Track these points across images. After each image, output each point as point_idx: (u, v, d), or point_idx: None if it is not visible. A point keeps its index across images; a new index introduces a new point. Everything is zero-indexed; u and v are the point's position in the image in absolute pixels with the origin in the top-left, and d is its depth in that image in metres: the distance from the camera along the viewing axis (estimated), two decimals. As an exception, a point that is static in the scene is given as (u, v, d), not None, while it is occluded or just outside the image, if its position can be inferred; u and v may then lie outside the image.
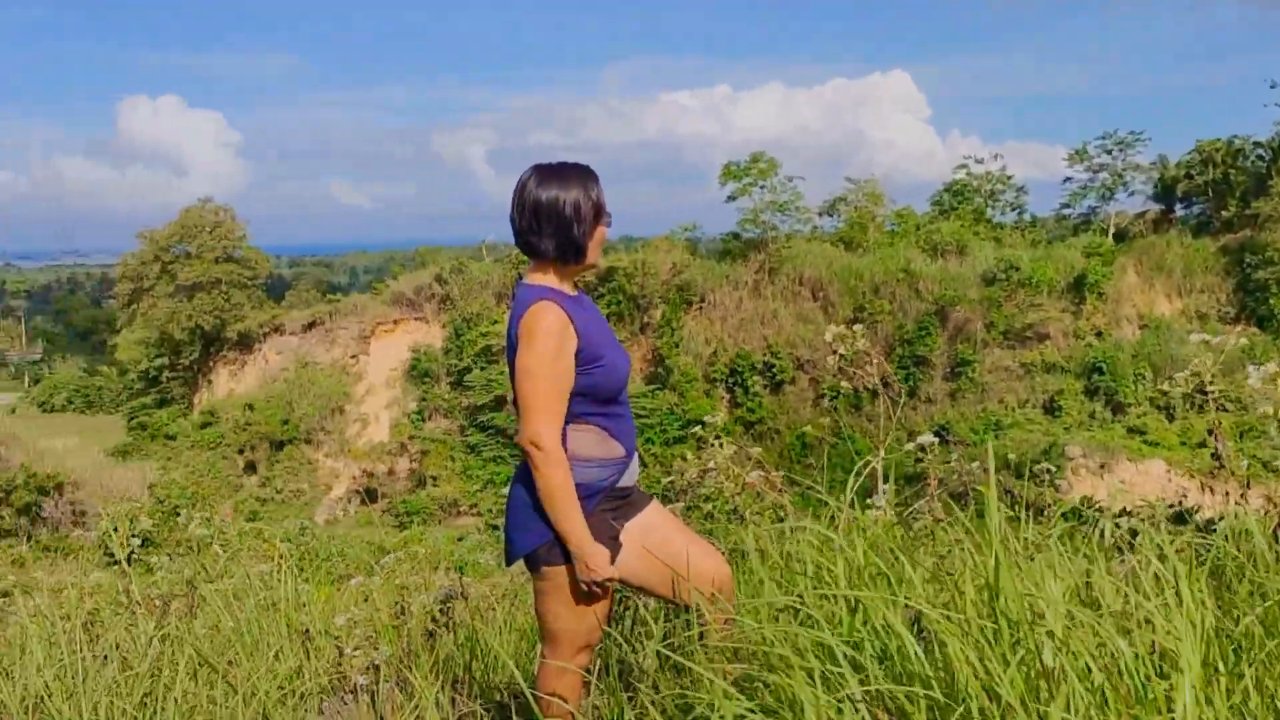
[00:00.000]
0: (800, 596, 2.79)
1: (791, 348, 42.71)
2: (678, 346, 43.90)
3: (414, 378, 46.90)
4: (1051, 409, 40.04)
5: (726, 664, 2.75)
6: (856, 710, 2.32)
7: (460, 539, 31.86)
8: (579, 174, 3.07)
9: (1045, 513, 4.36)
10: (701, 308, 45.10)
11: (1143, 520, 3.95)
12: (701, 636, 2.94)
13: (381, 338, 48.03)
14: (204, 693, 3.58)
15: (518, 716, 3.26)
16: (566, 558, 2.97)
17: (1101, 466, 36.31)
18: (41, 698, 3.31)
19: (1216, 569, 2.94)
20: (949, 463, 4.59)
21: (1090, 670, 2.24)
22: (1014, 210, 50.06)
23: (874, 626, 2.51)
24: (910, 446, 3.94)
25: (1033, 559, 2.77)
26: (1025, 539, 3.04)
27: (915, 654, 2.36)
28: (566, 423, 3.01)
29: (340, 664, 4.06)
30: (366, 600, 4.93)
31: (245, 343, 49.38)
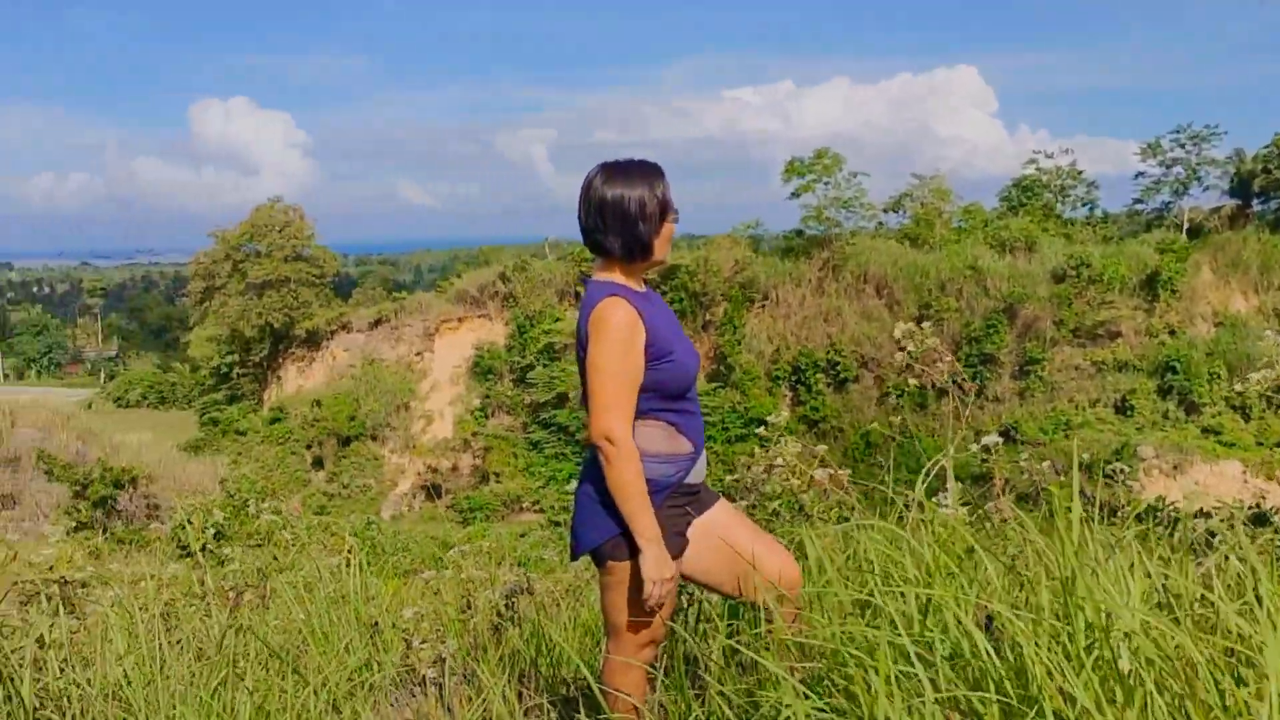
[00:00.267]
0: (871, 594, 2.76)
1: (856, 346, 42.35)
2: (740, 344, 43.74)
3: (477, 375, 47.26)
4: (1123, 409, 39.25)
5: (794, 661, 2.74)
6: (928, 711, 2.29)
7: (523, 535, 32.05)
8: (645, 171, 3.07)
9: (1119, 513, 4.27)
10: (764, 305, 44.88)
11: (1221, 521, 3.86)
12: (768, 634, 2.93)
13: (446, 335, 48.46)
14: (276, 683, 3.64)
15: (584, 711, 3.27)
16: (632, 553, 2.97)
17: (1175, 467, 35.57)
18: (121, 685, 3.39)
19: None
20: (1016, 462, 4.53)
21: (1167, 675, 2.19)
22: (1085, 206, 49.12)
23: (946, 626, 2.48)
24: (976, 447, 3.88)
25: (1108, 560, 2.72)
26: (1099, 540, 2.98)
27: (988, 654, 2.33)
28: (635, 418, 3.01)
29: (408, 657, 4.11)
30: (434, 594, 4.98)
31: (313, 340, 50.11)
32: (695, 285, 44.06)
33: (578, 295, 45.82)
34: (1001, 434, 4.21)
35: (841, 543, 3.36)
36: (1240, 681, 2.18)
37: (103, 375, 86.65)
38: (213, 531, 5.91)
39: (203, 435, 49.28)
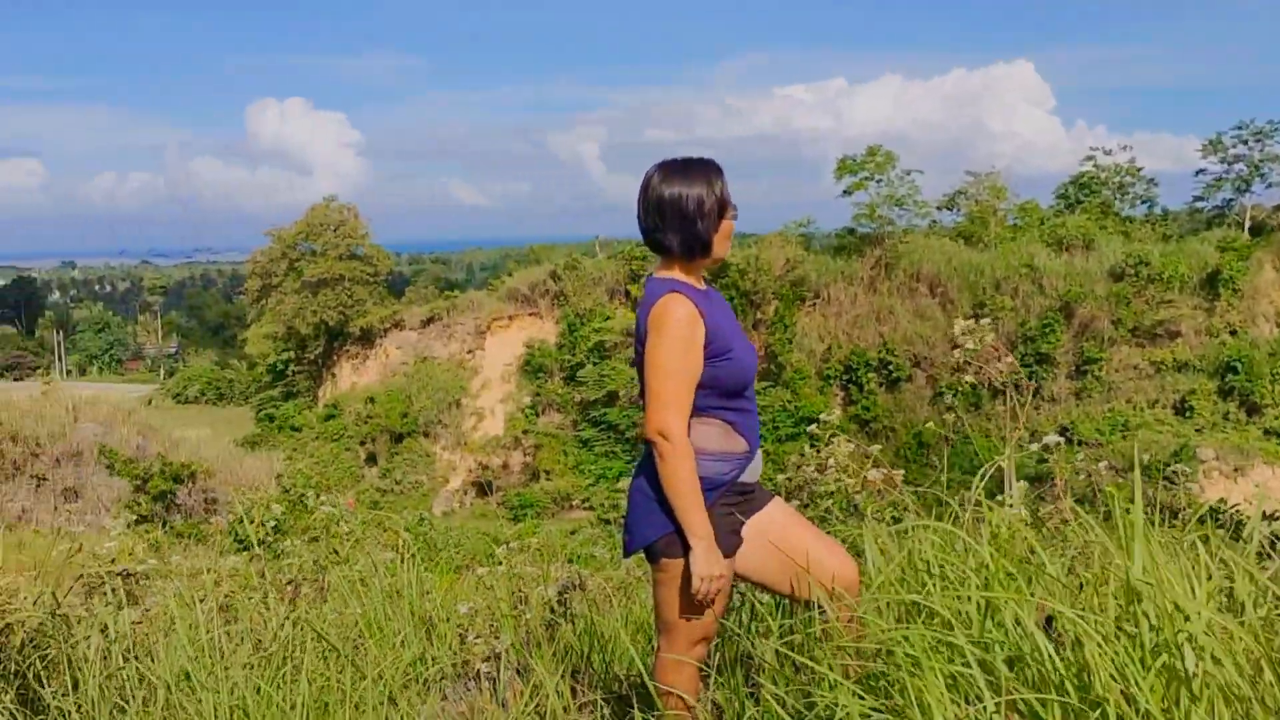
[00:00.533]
0: (928, 594, 2.74)
1: (908, 345, 41.99)
2: (791, 343, 43.54)
3: (528, 373, 47.48)
4: (1182, 409, 38.53)
5: (849, 662, 2.72)
6: (986, 712, 2.27)
7: (573, 532, 32.19)
8: (703, 169, 3.07)
9: (1180, 515, 4.20)
10: (815, 304, 44.64)
11: (1287, 524, 3.78)
12: (823, 634, 2.92)
13: (497, 333, 48.73)
14: (334, 675, 3.69)
15: (638, 708, 3.27)
16: (685, 550, 2.97)
17: (1235, 470, 34.88)
18: (185, 675, 3.46)
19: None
20: (1072, 463, 4.46)
21: (1233, 678, 2.15)
22: (1144, 203, 48.27)
23: (1005, 627, 2.45)
24: (1035, 446, 3.83)
25: (1172, 561, 2.68)
26: (1161, 541, 2.93)
27: (1049, 656, 2.30)
28: (692, 415, 3.01)
29: (462, 651, 4.14)
30: (487, 589, 5.01)
31: (367, 338, 50.64)
32: (746, 284, 43.92)
33: (628, 294, 45.91)
34: (1043, 438, 4.15)
35: (897, 543, 3.33)
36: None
37: (162, 372, 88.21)
38: (271, 524, 5.99)
39: (259, 431, 50.00)
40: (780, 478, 5.21)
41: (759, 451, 3.18)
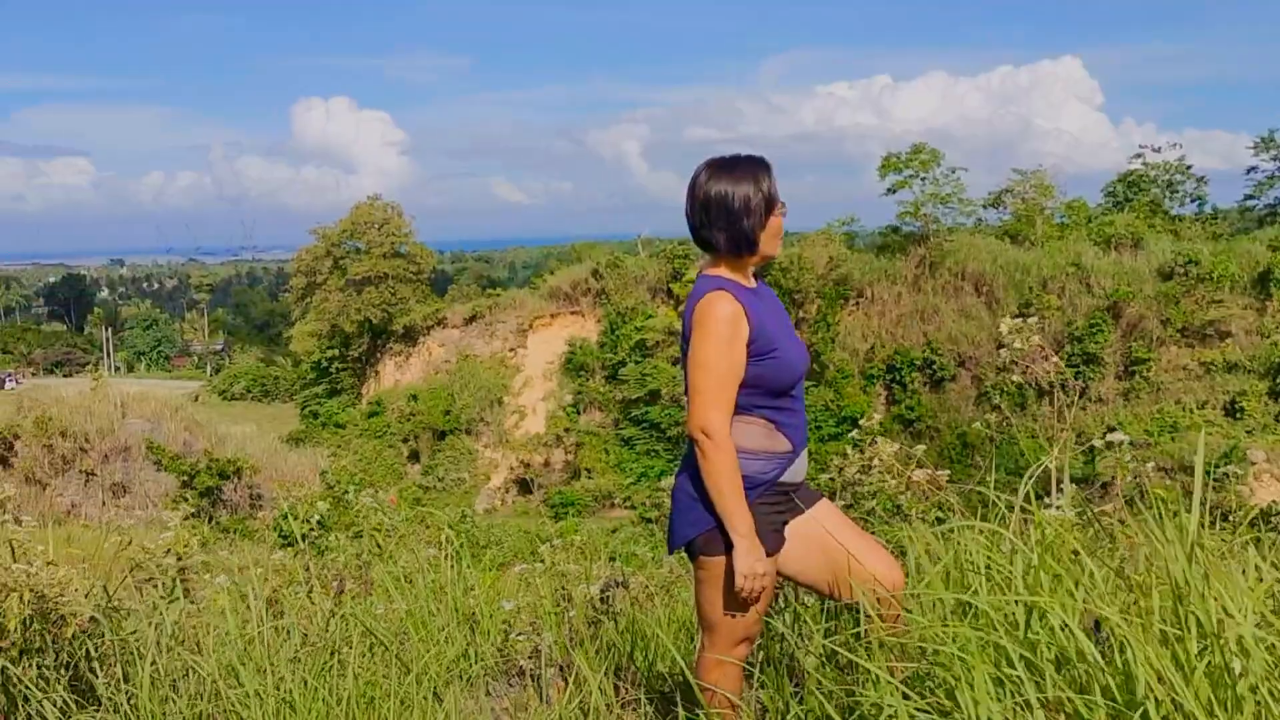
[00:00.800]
0: (974, 595, 2.72)
1: (953, 344, 41.63)
2: (834, 342, 43.33)
3: (570, 371, 47.62)
4: (1233, 411, 37.88)
5: (893, 661, 2.71)
6: (1031, 712, 2.25)
7: (614, 531, 32.29)
8: (750, 167, 3.07)
9: (1230, 518, 4.14)
10: (859, 303, 44.40)
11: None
12: (866, 634, 2.90)
13: (539, 331, 48.91)
14: (379, 669, 3.73)
15: (681, 705, 3.27)
16: (726, 548, 2.97)
17: (1287, 472, 34.28)
18: (235, 666, 3.51)
19: None
20: (1125, 464, 4.40)
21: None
22: (1194, 202, 47.47)
23: (1052, 629, 2.43)
24: (1099, 443, 3.78)
25: (1222, 564, 2.64)
26: (1210, 544, 2.89)
27: (1094, 659, 2.28)
28: (735, 413, 3.01)
29: (505, 648, 4.17)
30: (529, 587, 5.04)
31: (410, 335, 51.02)
32: (789, 282, 43.74)
33: (670, 292, 45.89)
34: (1104, 436, 4.09)
35: (942, 544, 3.31)
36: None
37: (209, 368, 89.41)
38: (315, 518, 6.06)
39: (303, 428, 50.57)
40: (823, 477, 5.19)
41: (804, 452, 3.16)
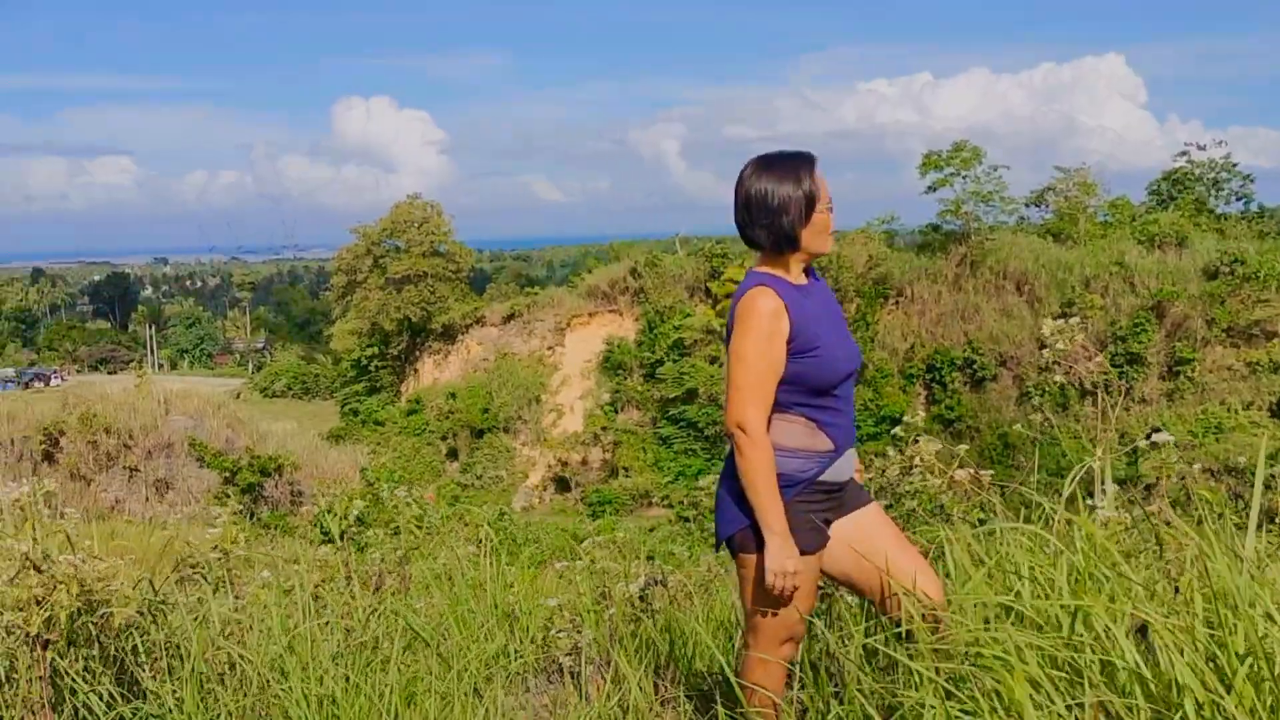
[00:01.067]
0: (1016, 596, 2.70)
1: (994, 344, 41.25)
2: (874, 341, 43.10)
3: (607, 369, 47.67)
4: (1278, 412, 37.31)
5: (935, 663, 2.69)
6: (1071, 715, 2.24)
7: (651, 530, 32.25)
8: (793, 164, 3.07)
9: (1276, 520, 4.09)
10: (899, 302, 44.13)
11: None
12: (908, 635, 2.89)
13: (577, 330, 49.01)
14: (421, 665, 3.75)
15: (721, 704, 3.27)
16: (760, 546, 2.96)
17: (1336, 475, 33.66)
18: (279, 659, 3.54)
19: None
20: (1169, 466, 4.35)
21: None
22: (1240, 200, 46.79)
23: (1096, 632, 2.41)
24: (1144, 443, 3.74)
25: (1265, 567, 2.61)
26: (1257, 547, 2.85)
27: (1135, 664, 2.26)
28: (775, 410, 3.00)
29: (545, 645, 4.18)
30: (568, 584, 5.05)
31: (449, 334, 51.29)
32: (828, 280, 43.31)
33: (708, 291, 45.82)
34: (1149, 436, 4.04)
35: (984, 545, 3.28)
36: None
37: (251, 366, 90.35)
38: (355, 515, 6.11)
39: (343, 425, 50.96)
40: (863, 477, 5.16)
41: (849, 451, 3.14)
